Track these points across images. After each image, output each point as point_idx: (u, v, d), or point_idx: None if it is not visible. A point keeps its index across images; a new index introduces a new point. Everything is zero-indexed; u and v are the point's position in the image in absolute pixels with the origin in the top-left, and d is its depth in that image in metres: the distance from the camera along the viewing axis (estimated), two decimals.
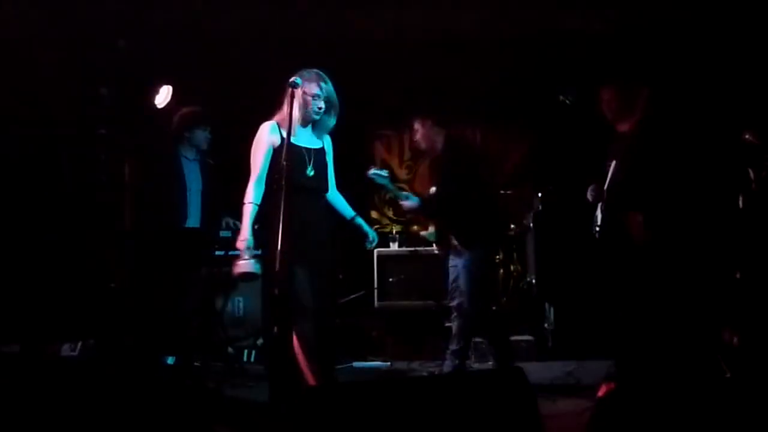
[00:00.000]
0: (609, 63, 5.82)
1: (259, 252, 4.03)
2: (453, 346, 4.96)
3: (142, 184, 5.46)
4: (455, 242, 4.98)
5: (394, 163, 7.67)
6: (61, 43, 5.62)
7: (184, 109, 5.25)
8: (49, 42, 5.57)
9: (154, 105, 5.60)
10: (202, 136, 5.20)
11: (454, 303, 4.99)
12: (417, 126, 5.16)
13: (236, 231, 5.17)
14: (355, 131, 7.22)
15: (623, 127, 4.63)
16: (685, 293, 4.77)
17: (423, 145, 5.20)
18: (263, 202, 3.97)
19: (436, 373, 5.30)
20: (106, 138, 5.56)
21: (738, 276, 4.69)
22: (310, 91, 3.93)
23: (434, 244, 5.40)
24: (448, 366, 4.99)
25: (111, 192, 5.69)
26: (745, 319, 4.67)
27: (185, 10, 5.55)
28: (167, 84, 5.65)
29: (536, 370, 5.29)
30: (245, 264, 3.96)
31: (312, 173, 3.98)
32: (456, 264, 5.00)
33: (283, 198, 3.56)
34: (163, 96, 5.63)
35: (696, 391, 3.02)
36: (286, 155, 3.68)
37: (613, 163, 4.55)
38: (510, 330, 6.17)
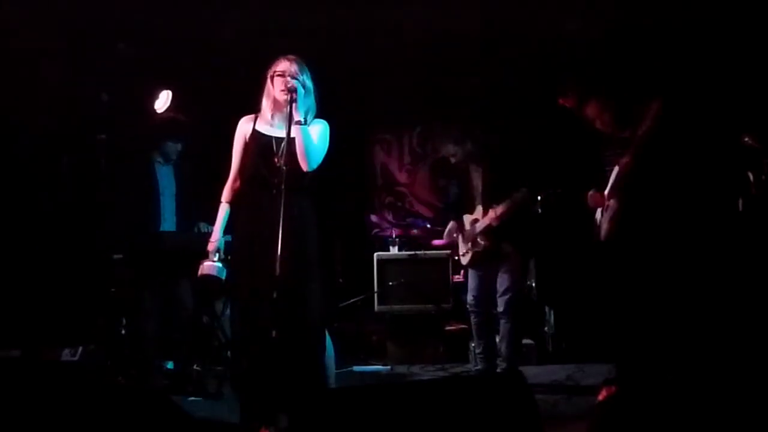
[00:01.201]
0: (609, 65, 5.84)
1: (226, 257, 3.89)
2: (505, 349, 5.02)
3: (118, 189, 5.45)
4: (510, 249, 5.01)
5: (394, 166, 7.67)
6: (62, 48, 5.63)
7: (158, 118, 5.25)
8: (49, 47, 5.58)
9: (154, 109, 5.61)
10: (172, 148, 5.23)
11: (501, 309, 5.00)
12: (454, 150, 5.16)
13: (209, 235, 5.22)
14: (355, 135, 7.24)
15: (626, 133, 4.64)
16: (685, 296, 4.78)
17: (462, 166, 5.23)
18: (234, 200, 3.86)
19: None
20: (106, 142, 5.56)
21: (738, 278, 4.69)
22: (275, 69, 3.74)
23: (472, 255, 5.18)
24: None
25: (110, 196, 5.68)
26: (745, 320, 4.68)
27: (185, 15, 5.56)
28: (167, 88, 5.65)
29: (536, 374, 5.31)
30: (208, 266, 3.87)
31: (280, 163, 3.64)
32: (486, 271, 5.07)
33: (283, 199, 3.47)
34: (163, 100, 5.63)
35: (697, 394, 3.02)
36: (285, 157, 3.58)
37: (616, 168, 4.56)
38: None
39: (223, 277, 3.88)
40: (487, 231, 5.02)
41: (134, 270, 5.06)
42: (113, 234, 5.24)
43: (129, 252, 5.10)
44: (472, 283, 5.20)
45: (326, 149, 3.83)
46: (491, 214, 4.95)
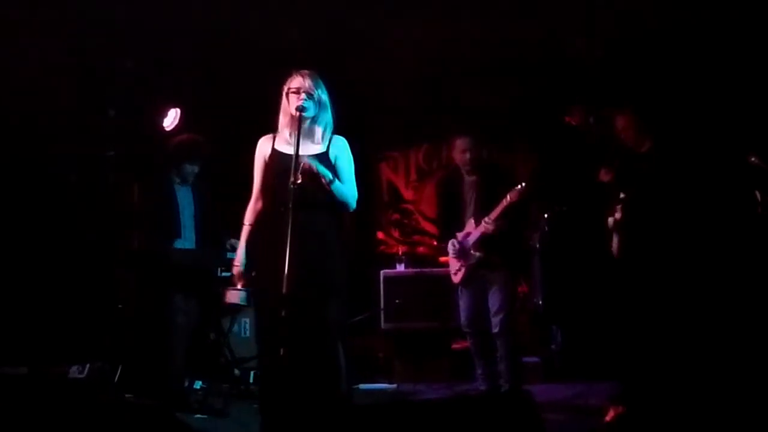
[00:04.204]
0: (614, 85, 5.87)
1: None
2: (505, 369, 4.97)
3: (139, 206, 5.50)
4: (500, 264, 4.98)
5: (400, 183, 7.68)
6: (70, 65, 5.67)
7: (178, 139, 5.29)
8: (57, 64, 5.62)
9: (163, 127, 5.65)
10: (189, 169, 5.26)
11: (497, 330, 4.94)
12: (471, 145, 5.11)
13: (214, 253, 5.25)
14: (361, 152, 7.23)
15: (644, 149, 4.67)
16: (694, 314, 4.76)
17: (457, 176, 5.26)
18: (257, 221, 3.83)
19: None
20: (114, 159, 5.60)
21: (747, 297, 4.68)
22: (289, 85, 3.73)
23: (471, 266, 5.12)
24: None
25: (118, 213, 5.72)
26: (755, 339, 4.66)
27: (193, 32, 5.61)
28: (175, 106, 5.70)
29: (543, 392, 5.28)
30: (233, 295, 3.84)
31: (299, 181, 3.55)
32: (477, 289, 5.03)
33: (291, 218, 3.45)
34: (171, 118, 5.68)
35: (706, 413, 3.01)
36: (293, 174, 3.52)
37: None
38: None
39: (245, 303, 3.84)
40: (482, 241, 4.98)
41: (154, 285, 5.09)
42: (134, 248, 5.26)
43: (149, 267, 5.12)
44: (464, 304, 5.13)
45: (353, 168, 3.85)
46: (486, 220, 4.90)
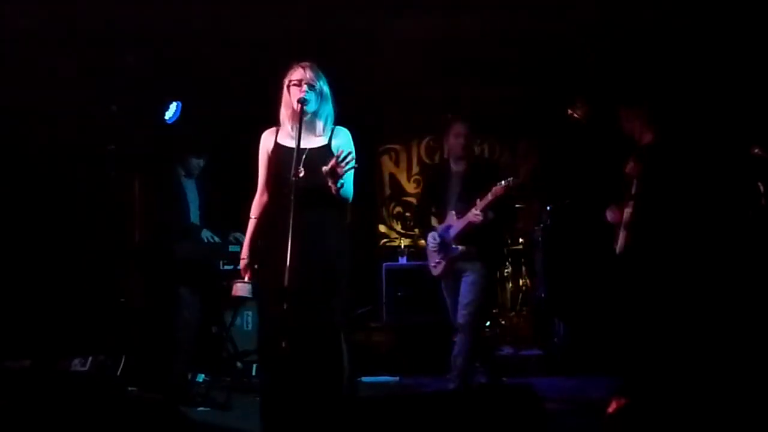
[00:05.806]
0: (617, 78, 5.86)
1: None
2: (461, 362, 4.87)
3: (146, 199, 5.53)
4: (477, 257, 4.82)
5: (402, 177, 7.69)
6: (71, 60, 5.67)
7: (184, 135, 5.32)
8: (59, 59, 5.62)
9: (164, 121, 5.66)
10: (195, 163, 5.30)
11: (462, 321, 4.82)
12: (468, 130, 5.00)
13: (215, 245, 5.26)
14: (363, 145, 7.22)
15: (645, 141, 4.66)
16: (696, 307, 4.76)
17: (445, 167, 5.20)
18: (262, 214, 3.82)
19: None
20: (116, 154, 5.60)
21: (750, 290, 4.68)
22: (290, 78, 3.70)
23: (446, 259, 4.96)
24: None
25: (120, 207, 5.73)
26: (757, 331, 4.66)
27: (194, 27, 5.60)
28: (176, 100, 5.70)
29: (546, 385, 5.28)
30: (241, 288, 3.85)
31: (301, 174, 3.51)
32: (458, 282, 4.88)
33: (292, 209, 3.42)
34: (172, 111, 5.68)
35: (708, 407, 3.00)
36: (295, 167, 3.50)
37: (634, 181, 4.56)
38: (520, 345, 6.22)
39: (255, 297, 3.85)
40: (466, 233, 4.79)
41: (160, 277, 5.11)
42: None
43: (155, 261, 5.14)
44: (449, 300, 4.99)
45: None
46: (473, 211, 4.69)
